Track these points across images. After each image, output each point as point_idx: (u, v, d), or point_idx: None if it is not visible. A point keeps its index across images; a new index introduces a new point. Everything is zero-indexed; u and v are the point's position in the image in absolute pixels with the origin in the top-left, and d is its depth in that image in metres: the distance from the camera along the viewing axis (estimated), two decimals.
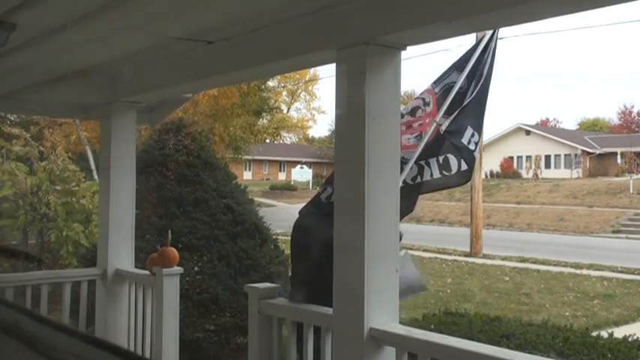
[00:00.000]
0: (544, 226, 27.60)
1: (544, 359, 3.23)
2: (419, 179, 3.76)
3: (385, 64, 2.80)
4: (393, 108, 2.87)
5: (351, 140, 2.86)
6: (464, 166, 3.84)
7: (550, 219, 28.48)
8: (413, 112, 3.91)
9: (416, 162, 3.75)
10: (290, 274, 3.69)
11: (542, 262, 15.95)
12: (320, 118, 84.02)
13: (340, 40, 2.87)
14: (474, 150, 3.88)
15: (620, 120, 71.41)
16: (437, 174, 3.82)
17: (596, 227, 26.43)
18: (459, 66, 3.98)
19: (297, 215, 3.65)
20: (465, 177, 3.89)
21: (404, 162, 3.52)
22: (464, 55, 4.01)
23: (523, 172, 47.35)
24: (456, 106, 3.87)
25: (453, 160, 3.82)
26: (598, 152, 47.93)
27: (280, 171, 60.19)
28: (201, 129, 8.68)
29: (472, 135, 3.84)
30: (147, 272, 4.61)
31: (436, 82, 3.99)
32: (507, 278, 13.58)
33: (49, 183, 9.39)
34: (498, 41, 4.07)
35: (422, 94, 4.05)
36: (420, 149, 3.77)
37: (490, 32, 4.00)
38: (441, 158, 3.82)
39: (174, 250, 4.49)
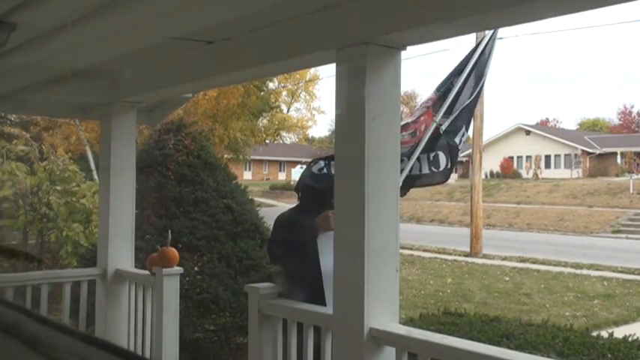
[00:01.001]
0: (544, 226, 27.59)
1: (544, 359, 3.23)
2: (407, 172, 3.80)
3: (385, 64, 2.80)
4: (393, 108, 2.87)
5: (351, 140, 2.85)
6: (449, 164, 3.90)
7: (550, 219, 28.48)
8: (417, 119, 3.97)
9: (408, 157, 3.79)
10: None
11: (542, 262, 15.95)
12: (320, 118, 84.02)
13: (340, 40, 2.87)
14: (459, 149, 3.95)
15: (620, 120, 71.42)
16: (425, 169, 3.86)
17: (596, 227, 26.43)
18: (459, 70, 4.01)
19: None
20: (447, 175, 3.96)
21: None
22: (463, 59, 4.04)
23: (523, 172, 47.35)
24: (456, 106, 3.90)
25: (442, 158, 3.87)
26: (598, 152, 47.92)
27: (280, 171, 60.19)
28: (201, 129, 8.67)
29: (462, 134, 3.89)
30: (147, 272, 4.61)
31: (438, 88, 4.04)
32: (507, 278, 13.58)
33: (49, 183, 9.39)
34: (499, 41, 4.09)
35: (426, 101, 4.09)
36: (420, 148, 3.79)
37: (490, 33, 4.01)
38: (432, 155, 3.86)
39: (174, 250, 4.49)
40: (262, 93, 22.91)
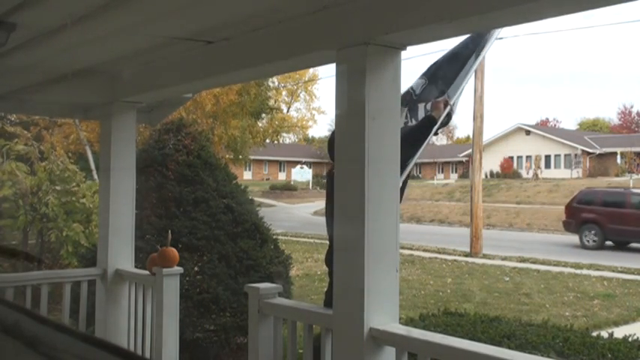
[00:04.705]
0: (544, 226, 27.59)
1: (544, 359, 3.23)
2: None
3: (385, 64, 2.80)
4: (393, 108, 2.87)
5: (351, 140, 2.85)
6: None
7: (550, 219, 28.47)
8: None
9: None
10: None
11: (542, 262, 15.94)
12: (320, 118, 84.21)
13: (340, 40, 2.87)
14: None
15: (620, 120, 71.47)
16: None
17: None
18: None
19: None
20: None
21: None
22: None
23: (523, 172, 47.39)
24: None
25: None
26: (598, 152, 47.94)
27: (280, 171, 60.22)
28: (201, 129, 8.68)
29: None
30: (147, 272, 4.61)
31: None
32: (507, 278, 13.57)
33: (49, 183, 9.39)
34: (499, 41, 4.07)
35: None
36: (421, 149, 3.78)
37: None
38: None
39: (174, 250, 4.49)
40: (261, 88, 22.77)
